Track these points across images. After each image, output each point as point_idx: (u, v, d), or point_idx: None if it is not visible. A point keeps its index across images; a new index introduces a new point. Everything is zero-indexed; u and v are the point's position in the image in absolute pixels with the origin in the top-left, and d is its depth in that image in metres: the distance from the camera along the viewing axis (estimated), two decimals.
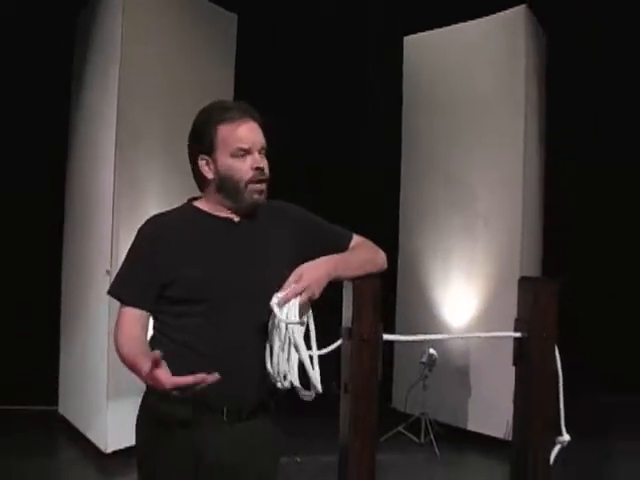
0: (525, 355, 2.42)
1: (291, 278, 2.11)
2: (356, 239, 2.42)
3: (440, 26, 6.36)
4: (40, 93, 6.03)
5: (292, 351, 2.10)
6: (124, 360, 2.19)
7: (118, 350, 2.22)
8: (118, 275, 2.31)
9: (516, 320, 2.48)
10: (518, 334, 2.42)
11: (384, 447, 5.21)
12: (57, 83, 6.04)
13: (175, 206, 2.40)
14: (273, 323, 2.13)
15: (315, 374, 2.09)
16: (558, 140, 6.56)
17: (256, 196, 2.24)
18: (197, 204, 2.35)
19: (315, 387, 2.09)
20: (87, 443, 5.39)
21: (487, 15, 6.00)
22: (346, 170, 7.20)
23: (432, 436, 5.84)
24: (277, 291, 2.13)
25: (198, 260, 2.23)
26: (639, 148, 7.08)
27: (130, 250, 2.31)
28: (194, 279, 2.20)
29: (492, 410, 5.81)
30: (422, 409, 5.96)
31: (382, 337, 2.25)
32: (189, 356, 2.19)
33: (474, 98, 6.07)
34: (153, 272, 2.21)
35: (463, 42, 6.20)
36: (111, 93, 5.13)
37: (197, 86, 5.41)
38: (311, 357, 2.09)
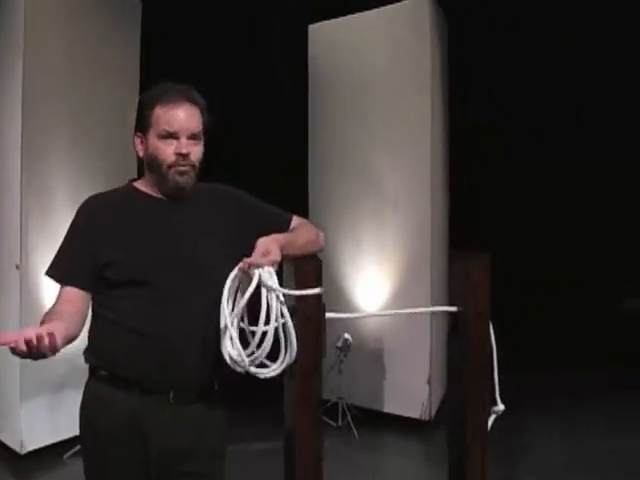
0: (460, 329, 2.46)
1: (258, 250, 2.11)
2: (296, 220, 2.45)
3: (345, 14, 6.40)
4: None
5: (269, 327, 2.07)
6: None
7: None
8: (55, 256, 2.28)
9: (450, 294, 2.53)
10: (453, 308, 2.46)
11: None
12: None
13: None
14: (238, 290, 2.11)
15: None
16: (461, 124, 6.73)
17: (177, 177, 2.23)
18: (136, 184, 2.34)
19: (293, 353, 2.11)
20: (0, 445, 5.22)
21: (391, 3, 6.07)
22: (254, 159, 7.20)
23: (350, 419, 5.90)
24: (218, 273, 2.14)
25: (133, 241, 2.21)
26: (537, 122, 7.34)
27: (67, 230, 2.27)
28: (130, 260, 2.19)
29: (408, 391, 5.94)
30: (339, 394, 6.01)
31: (325, 315, 2.28)
32: (131, 339, 2.17)
33: (380, 85, 6.14)
34: (89, 252, 2.19)
35: (368, 30, 6.26)
36: (15, 83, 4.96)
37: (102, 74, 5.31)
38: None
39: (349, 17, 6.41)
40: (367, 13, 6.27)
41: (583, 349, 7.54)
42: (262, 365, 2.09)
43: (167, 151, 2.21)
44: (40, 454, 4.99)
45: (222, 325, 2.09)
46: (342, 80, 6.40)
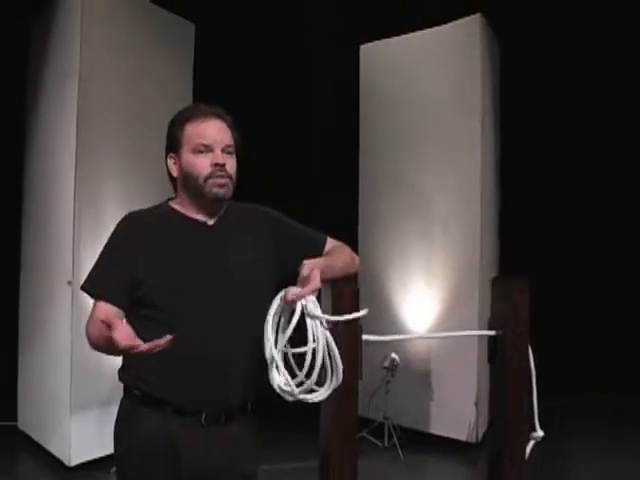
0: (499, 353, 2.45)
1: (305, 273, 2.07)
2: (331, 242, 2.45)
3: (396, 35, 6.43)
4: None
5: (318, 357, 2.03)
6: (96, 344, 2.16)
7: (88, 337, 2.20)
8: (91, 271, 2.30)
9: (490, 319, 2.52)
10: (492, 332, 2.45)
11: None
12: (12, 89, 5.98)
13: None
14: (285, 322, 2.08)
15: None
16: (513, 145, 6.69)
17: (215, 189, 2.23)
18: (172, 204, 2.35)
19: (339, 379, 2.07)
20: (49, 457, 5.31)
21: (443, 24, 6.08)
22: (305, 178, 7.25)
23: (395, 440, 5.87)
24: (255, 296, 2.15)
25: (168, 262, 2.23)
26: (589, 150, 7.25)
27: (105, 246, 2.30)
28: (164, 281, 2.20)
29: (455, 413, 5.89)
30: (385, 414, 5.99)
31: (362, 337, 2.29)
32: (165, 360, 2.13)
33: (431, 105, 6.15)
34: (124, 269, 2.21)
35: (419, 50, 6.28)
36: (70, 103, 5.09)
37: (155, 95, 5.43)
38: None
39: (400, 37, 6.44)
40: (418, 33, 6.29)
41: (627, 373, 7.37)
42: (310, 391, 2.06)
43: (203, 164, 2.23)
44: (87, 467, 5.07)
45: (267, 356, 2.05)
46: (393, 99, 6.43)
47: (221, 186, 2.24)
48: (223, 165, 2.23)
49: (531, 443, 2.50)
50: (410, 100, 6.29)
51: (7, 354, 5.96)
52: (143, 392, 2.22)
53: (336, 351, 2.05)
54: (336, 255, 2.36)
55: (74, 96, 5.05)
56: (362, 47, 6.74)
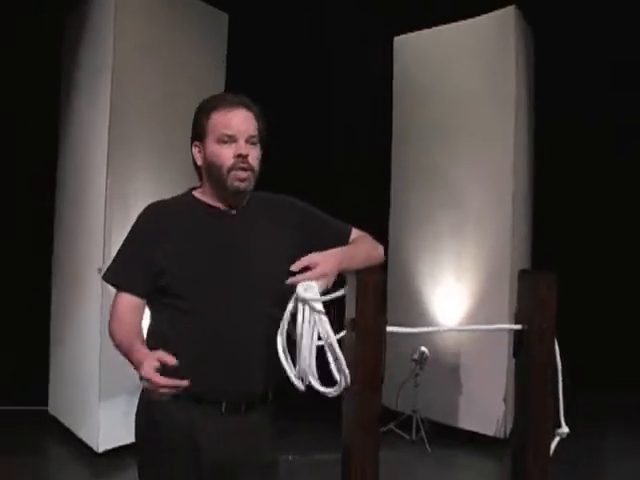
0: (525, 347, 2.42)
1: (301, 262, 2.07)
2: (355, 232, 2.43)
3: (430, 27, 6.39)
4: (28, 94, 6.03)
5: (312, 342, 1.97)
6: (119, 346, 2.19)
7: (112, 335, 2.22)
8: (113, 261, 2.32)
9: (516, 313, 2.49)
10: (518, 326, 2.42)
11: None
12: (45, 85, 6.05)
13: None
14: (289, 312, 2.00)
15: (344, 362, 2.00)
16: (547, 138, 6.61)
17: (237, 183, 2.23)
18: (196, 193, 2.35)
19: (346, 375, 2.01)
20: (78, 443, 5.37)
21: (477, 15, 6.02)
22: (336, 171, 7.23)
23: (423, 433, 5.86)
24: (275, 286, 2.12)
25: (191, 251, 2.23)
26: (626, 144, 7.14)
27: (127, 236, 2.31)
28: (186, 270, 2.21)
29: (483, 408, 5.85)
30: (413, 407, 5.97)
31: (386, 328, 2.27)
32: (185, 348, 2.17)
33: (464, 97, 6.10)
34: (147, 259, 2.21)
35: (453, 42, 6.24)
36: (102, 97, 5.13)
37: (189, 87, 5.41)
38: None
39: (434, 29, 6.40)
40: (452, 25, 6.24)
41: None
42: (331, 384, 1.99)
43: (226, 154, 2.23)
44: (116, 453, 5.11)
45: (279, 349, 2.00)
46: (426, 92, 6.40)
47: (242, 180, 2.24)
48: (246, 156, 2.22)
49: (556, 439, 2.47)
50: (443, 92, 6.25)
51: (39, 340, 6.04)
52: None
53: (333, 338, 1.98)
54: (359, 245, 2.35)
55: (107, 90, 5.08)
56: (396, 39, 6.71)
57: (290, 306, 1.99)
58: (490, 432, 5.82)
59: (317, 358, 1.99)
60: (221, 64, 5.94)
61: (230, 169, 2.23)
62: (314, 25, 7.02)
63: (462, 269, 6.09)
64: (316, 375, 2.01)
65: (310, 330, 1.96)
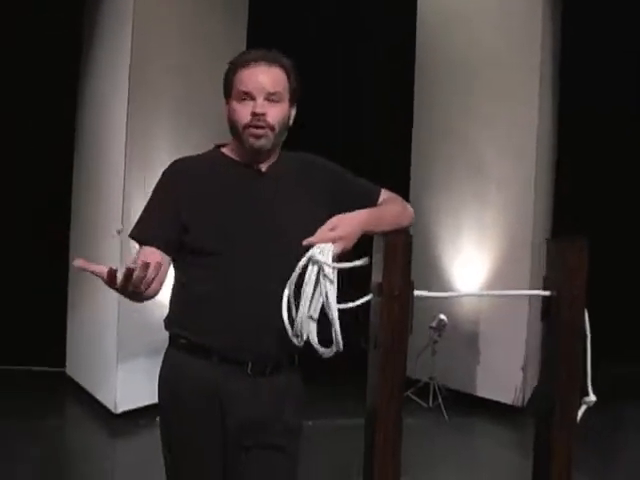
0: (553, 314, 2.37)
1: (325, 226, 2.03)
2: (385, 193, 2.37)
3: None
4: (49, 48, 5.95)
5: (315, 301, 1.97)
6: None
7: None
8: (139, 218, 2.27)
9: (545, 279, 2.44)
10: (547, 292, 2.37)
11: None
12: (67, 39, 5.99)
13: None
14: (299, 270, 2.00)
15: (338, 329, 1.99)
16: (571, 106, 6.51)
17: (252, 140, 2.18)
18: (224, 150, 2.31)
19: (338, 343, 1.99)
20: (96, 404, 5.40)
21: None
22: (356, 137, 7.15)
23: (440, 401, 5.84)
24: (300, 244, 2.08)
25: (216, 208, 2.20)
26: None
27: (152, 192, 2.27)
28: (211, 227, 2.17)
29: (501, 376, 5.83)
30: (430, 374, 5.95)
31: (413, 293, 2.23)
32: (211, 308, 2.16)
33: (488, 63, 5.99)
34: (172, 215, 2.18)
35: (478, 4, 6.13)
36: (124, 50, 5.08)
37: (209, 43, 5.36)
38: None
39: None
40: None
41: None
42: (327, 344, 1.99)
43: (243, 112, 2.17)
44: (133, 415, 5.14)
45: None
46: (450, 57, 6.28)
47: (257, 137, 2.18)
48: (262, 114, 2.16)
49: (583, 408, 2.43)
50: (468, 55, 6.12)
51: (57, 301, 6.05)
52: (189, 340, 2.20)
53: (334, 306, 1.94)
54: (387, 206, 2.29)
55: (127, 48, 5.04)
56: (420, 0, 6.58)
57: (301, 263, 1.98)
58: (508, 400, 5.80)
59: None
60: (242, 21, 5.83)
61: (245, 127, 2.18)
62: None
63: (483, 235, 6.03)
64: (314, 334, 1.99)
65: (312, 291, 1.95)
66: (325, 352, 2.00)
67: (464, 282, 6.10)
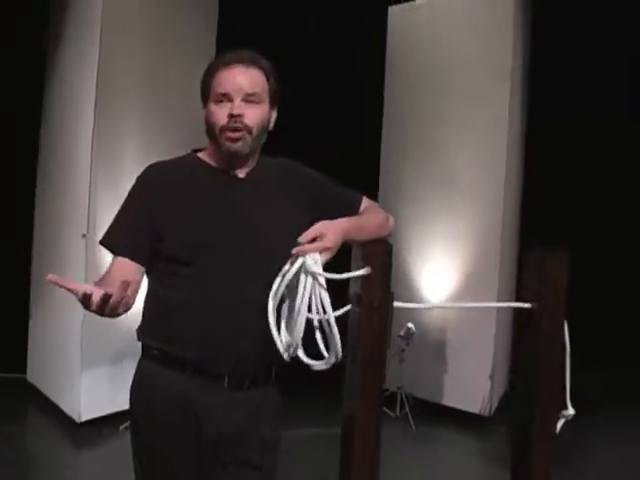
0: (532, 326, 2.35)
1: (310, 233, 1.95)
2: (365, 201, 2.33)
3: None
4: (14, 49, 5.83)
5: (301, 313, 1.90)
6: None
7: None
8: (111, 224, 2.19)
9: (523, 290, 2.41)
10: (527, 305, 2.34)
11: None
12: (32, 42, 5.88)
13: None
14: (288, 280, 1.93)
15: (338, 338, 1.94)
16: (541, 114, 6.54)
17: (228, 143, 2.11)
18: (200, 155, 2.23)
19: (337, 352, 1.94)
20: (59, 412, 5.28)
21: None
22: (325, 143, 7.10)
23: (408, 410, 5.81)
24: (281, 254, 2.03)
25: (192, 215, 2.12)
26: (619, 121, 7.09)
27: (126, 198, 2.19)
28: (188, 235, 2.09)
29: (469, 386, 5.83)
30: (398, 383, 5.92)
31: (393, 304, 2.18)
32: (187, 318, 2.09)
33: (459, 70, 5.99)
34: (146, 222, 2.10)
35: (449, 13, 6.13)
36: (90, 56, 4.98)
37: (179, 44, 5.30)
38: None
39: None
40: None
41: None
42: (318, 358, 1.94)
43: (220, 114, 2.11)
44: (97, 423, 5.03)
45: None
46: (420, 64, 6.28)
47: (233, 140, 2.11)
48: (239, 115, 2.10)
49: (561, 421, 2.41)
50: (438, 65, 6.13)
51: (19, 306, 5.92)
52: (162, 351, 2.12)
53: (331, 315, 1.90)
54: (368, 215, 2.24)
55: (95, 49, 4.93)
56: (390, 8, 6.57)
57: (290, 274, 1.91)
58: (475, 410, 5.79)
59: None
60: (212, 23, 5.74)
61: (222, 129, 2.11)
62: None
63: (452, 244, 6.02)
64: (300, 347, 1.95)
65: (307, 303, 1.89)
66: (318, 364, 1.95)
67: (432, 291, 6.09)
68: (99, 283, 1.99)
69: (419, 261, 6.20)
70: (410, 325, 5.71)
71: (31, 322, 5.93)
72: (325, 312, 1.90)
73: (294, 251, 1.90)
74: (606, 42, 6.82)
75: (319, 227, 1.97)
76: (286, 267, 1.93)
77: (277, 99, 2.21)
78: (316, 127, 7.00)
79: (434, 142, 6.13)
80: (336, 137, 7.26)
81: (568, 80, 6.81)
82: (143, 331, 2.19)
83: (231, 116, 2.10)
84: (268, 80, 2.18)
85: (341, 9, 6.97)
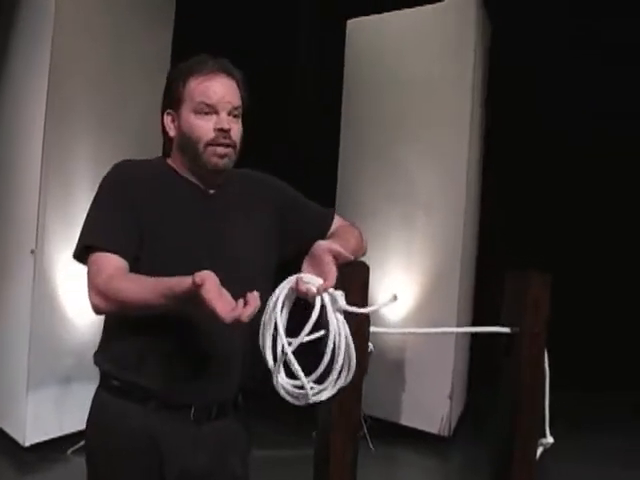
0: (513, 351, 2.25)
1: (328, 258, 1.80)
2: (338, 220, 2.22)
3: (386, 11, 6.19)
4: None
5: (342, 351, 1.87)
6: (126, 298, 1.78)
7: (108, 289, 1.80)
8: (89, 224, 1.94)
9: (503, 313, 2.32)
10: (506, 329, 2.25)
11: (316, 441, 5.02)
12: None
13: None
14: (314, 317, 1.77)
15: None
16: (501, 130, 6.52)
17: (215, 160, 1.94)
18: (170, 162, 2.06)
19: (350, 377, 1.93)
20: (3, 435, 5.02)
21: (438, 1, 5.86)
22: (280, 155, 7.00)
23: (365, 431, 5.68)
24: (255, 276, 1.91)
25: (167, 230, 1.94)
26: (580, 137, 7.11)
27: (95, 199, 1.97)
28: (160, 252, 1.92)
29: (428, 405, 5.73)
30: None
31: (369, 329, 2.07)
32: (151, 344, 1.91)
33: (419, 86, 5.91)
34: (133, 218, 1.90)
35: (409, 28, 6.04)
36: (40, 63, 4.77)
37: (133, 55, 5.11)
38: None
39: (389, 14, 6.19)
40: (408, 11, 6.05)
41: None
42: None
43: (205, 127, 1.94)
44: (44, 447, 4.80)
45: (269, 354, 1.75)
46: (379, 78, 6.18)
47: (221, 156, 1.95)
48: (228, 131, 1.95)
49: (540, 449, 2.33)
50: (397, 79, 6.03)
51: None
52: (123, 381, 1.94)
53: (353, 347, 1.86)
54: (347, 237, 2.11)
55: (45, 56, 4.72)
56: (349, 22, 6.47)
57: (281, 301, 1.76)
58: (434, 430, 5.68)
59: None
60: (168, 29, 5.54)
61: (208, 144, 1.94)
62: (268, 3, 6.75)
63: (411, 261, 5.92)
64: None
65: (344, 342, 1.87)
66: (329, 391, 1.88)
67: (390, 309, 5.97)
68: (125, 281, 1.82)
69: (379, 276, 6.06)
70: (368, 344, 5.58)
71: None
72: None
73: (305, 287, 1.76)
74: (568, 53, 6.85)
75: (329, 253, 1.83)
76: (281, 295, 1.77)
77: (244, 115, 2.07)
78: (272, 140, 6.89)
79: (392, 155, 6.02)
80: (292, 150, 7.16)
81: (530, 95, 6.81)
82: (102, 356, 2.00)
83: (221, 130, 1.94)
84: (241, 93, 2.04)
85: (298, 23, 6.88)
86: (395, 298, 1.93)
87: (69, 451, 4.67)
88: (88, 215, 1.95)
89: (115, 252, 1.87)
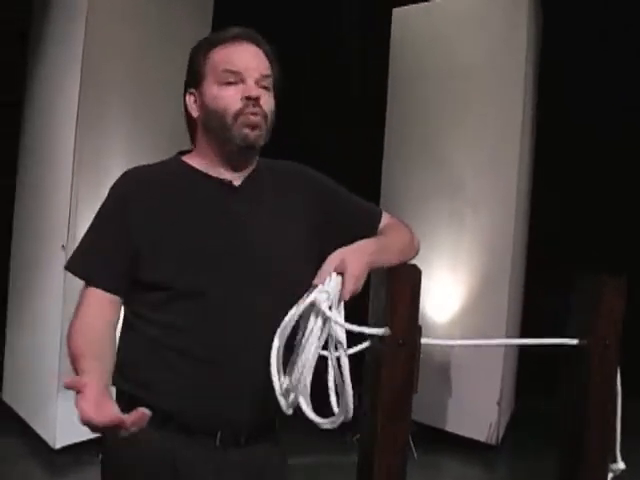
0: (579, 366, 2.00)
1: (329, 266, 1.59)
2: (386, 217, 1.96)
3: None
4: None
5: (304, 355, 1.56)
6: (69, 354, 1.69)
7: (68, 338, 1.71)
8: (80, 245, 1.81)
9: (571, 322, 2.07)
10: (574, 341, 1.99)
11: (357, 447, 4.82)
12: (13, 35, 5.56)
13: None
14: (296, 317, 1.58)
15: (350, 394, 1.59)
16: (554, 122, 6.24)
17: (246, 130, 1.72)
18: (187, 159, 1.84)
19: (347, 408, 1.59)
20: (34, 436, 4.89)
21: None
22: (324, 150, 6.79)
23: (410, 437, 5.44)
24: (292, 280, 1.67)
25: (181, 233, 1.73)
26: (634, 130, 6.81)
27: (97, 213, 1.80)
28: (176, 259, 1.71)
29: (475, 412, 5.47)
30: None
31: (421, 341, 1.83)
32: (172, 361, 1.70)
33: (467, 77, 5.63)
34: (123, 243, 1.72)
35: (457, 17, 5.78)
36: (74, 51, 4.60)
37: (169, 43, 4.89)
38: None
39: (436, 1, 5.94)
40: None
41: None
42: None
43: (233, 97, 1.72)
44: (74, 450, 4.65)
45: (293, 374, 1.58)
46: (426, 69, 5.92)
47: (253, 127, 1.72)
48: (257, 99, 1.72)
49: (610, 476, 2.08)
50: (445, 70, 5.76)
51: None
52: (143, 403, 1.68)
53: (346, 363, 1.59)
54: (394, 234, 1.88)
55: (79, 43, 4.55)
56: (395, 10, 6.20)
57: (298, 311, 1.57)
58: (482, 438, 5.42)
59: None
60: (207, 17, 5.34)
61: (238, 114, 1.72)
62: None
63: (458, 261, 5.65)
64: (308, 398, 1.59)
65: (315, 344, 1.55)
66: (324, 422, 1.60)
67: (437, 311, 5.71)
68: (77, 333, 1.70)
69: (425, 277, 5.82)
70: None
71: (8, 339, 5.57)
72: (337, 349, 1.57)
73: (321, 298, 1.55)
74: (623, 45, 6.56)
75: (339, 254, 1.61)
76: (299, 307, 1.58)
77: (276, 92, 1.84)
78: (315, 132, 6.70)
79: (440, 150, 5.76)
80: (337, 143, 6.95)
81: (582, 87, 6.53)
82: (120, 375, 1.77)
83: (249, 98, 1.72)
84: (272, 67, 1.81)
85: (344, 11, 6.67)
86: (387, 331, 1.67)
87: (100, 455, 4.50)
88: (85, 234, 1.82)
89: (97, 285, 1.74)
